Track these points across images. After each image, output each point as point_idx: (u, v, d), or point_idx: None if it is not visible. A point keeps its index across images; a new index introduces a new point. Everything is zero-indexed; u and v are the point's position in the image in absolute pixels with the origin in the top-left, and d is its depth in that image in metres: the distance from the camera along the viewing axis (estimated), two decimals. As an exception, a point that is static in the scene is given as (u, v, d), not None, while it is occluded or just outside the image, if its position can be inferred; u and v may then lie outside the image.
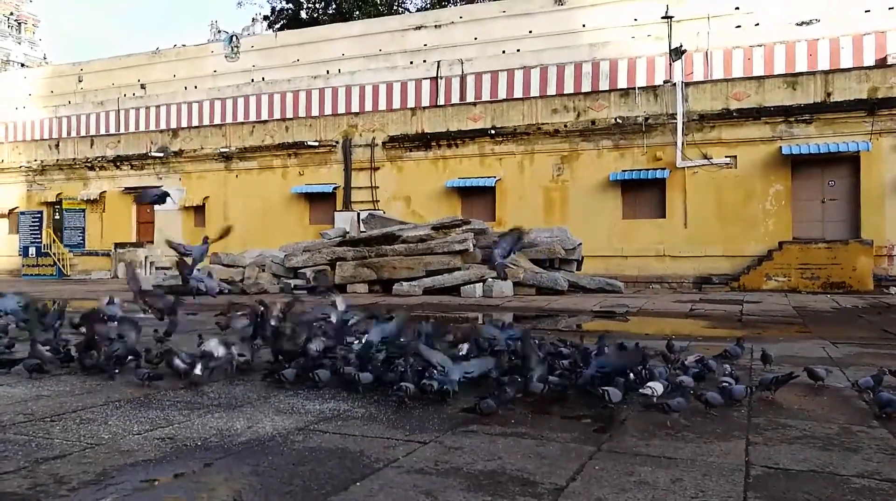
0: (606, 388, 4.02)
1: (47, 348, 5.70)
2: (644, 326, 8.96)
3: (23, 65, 45.31)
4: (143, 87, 31.02)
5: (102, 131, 30.65)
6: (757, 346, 6.11)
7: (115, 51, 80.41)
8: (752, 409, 4.13)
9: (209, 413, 3.99)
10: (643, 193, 19.12)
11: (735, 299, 13.75)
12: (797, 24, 21.72)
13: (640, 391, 4.18)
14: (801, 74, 18.89)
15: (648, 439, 3.50)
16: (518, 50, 24.82)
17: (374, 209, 20.79)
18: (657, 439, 3.50)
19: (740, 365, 5.37)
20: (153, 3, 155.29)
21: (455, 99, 24.92)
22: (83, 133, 30.95)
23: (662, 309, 11.73)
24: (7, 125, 33.49)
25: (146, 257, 24.29)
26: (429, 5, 33.90)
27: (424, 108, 23.07)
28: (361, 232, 17.18)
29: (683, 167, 18.56)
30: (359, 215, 19.55)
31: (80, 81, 32.47)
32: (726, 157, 18.31)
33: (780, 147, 17.59)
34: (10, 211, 28.06)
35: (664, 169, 18.64)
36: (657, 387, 4.13)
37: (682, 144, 18.49)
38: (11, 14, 48.44)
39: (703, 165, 18.39)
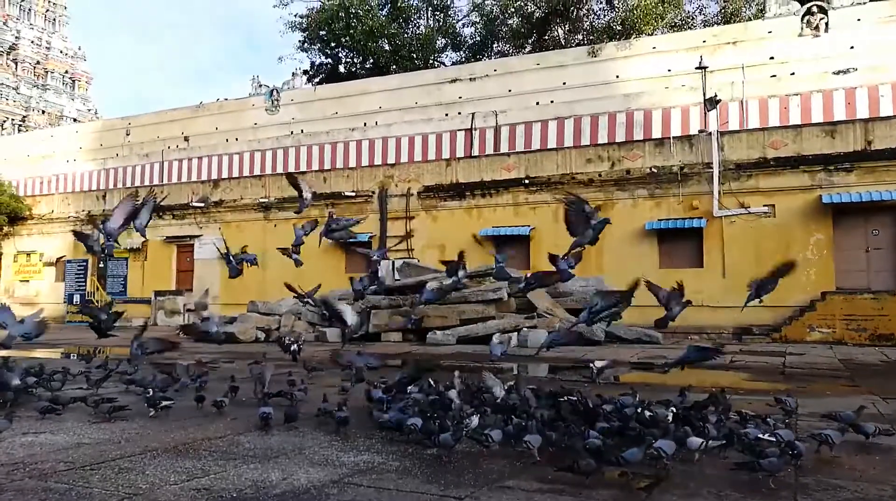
0: (659, 444, 3.86)
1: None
2: (683, 378, 8.74)
3: (75, 120, 47.34)
4: (186, 139, 32.07)
5: (147, 182, 31.63)
6: (803, 400, 5.92)
7: (161, 105, 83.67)
8: (799, 467, 3.97)
9: (245, 464, 3.99)
10: (680, 242, 18.91)
11: (777, 350, 13.38)
12: (834, 73, 21.62)
13: (689, 440, 4.05)
14: (840, 122, 18.68)
15: (691, 497, 3.39)
16: (552, 101, 25.10)
17: (409, 258, 20.91)
18: (700, 497, 3.39)
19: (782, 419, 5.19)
20: (199, 61, 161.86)
21: (489, 150, 25.20)
22: (129, 184, 32.00)
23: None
24: (58, 177, 34.83)
25: (184, 305, 24.70)
26: (464, 59, 34.65)
27: (459, 158, 23.35)
28: (396, 280, 17.26)
29: (720, 216, 18.35)
30: (393, 263, 19.67)
31: (127, 135, 33.73)
32: (764, 205, 18.06)
33: (821, 196, 17.31)
34: (58, 260, 28.92)
35: (701, 218, 18.45)
36: (696, 441, 4.01)
37: (719, 193, 18.33)
38: (66, 72, 50.87)
39: (741, 214, 18.16)
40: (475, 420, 4.45)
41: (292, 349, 6.92)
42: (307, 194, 7.05)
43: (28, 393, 6.23)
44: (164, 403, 5.61)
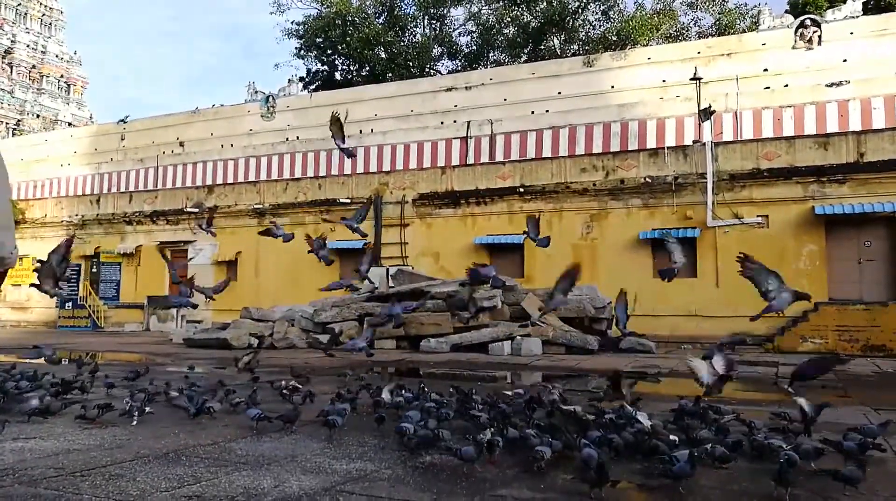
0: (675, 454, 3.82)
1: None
2: (676, 387, 8.75)
3: (70, 124, 47.19)
4: (181, 144, 32.03)
5: (141, 187, 31.58)
6: (795, 412, 5.92)
7: (156, 111, 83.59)
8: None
9: (236, 471, 3.97)
10: (674, 252, 18.94)
11: (770, 360, 13.40)
12: (827, 86, 21.77)
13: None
14: (833, 134, 18.81)
15: (683, 508, 3.40)
16: (547, 110, 25.20)
17: (403, 265, 20.90)
18: (692, 508, 3.39)
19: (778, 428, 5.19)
20: (194, 67, 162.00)
21: (484, 158, 25.25)
22: (123, 189, 31.92)
23: (695, 371, 11.45)
24: (52, 181, 34.72)
25: (177, 311, 24.61)
26: (459, 68, 34.76)
27: (454, 166, 23.38)
28: (390, 288, 17.23)
29: (714, 227, 18.42)
30: (388, 270, 19.65)
31: (122, 140, 33.67)
32: (758, 216, 18.15)
33: (813, 207, 17.40)
34: (50, 264, 28.75)
35: (695, 228, 18.52)
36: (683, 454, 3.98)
37: (713, 203, 18.40)
38: (62, 76, 50.74)
39: (735, 224, 18.24)
40: (489, 433, 4.42)
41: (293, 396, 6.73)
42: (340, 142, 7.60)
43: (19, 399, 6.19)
44: (146, 411, 5.60)
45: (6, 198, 2.60)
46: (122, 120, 33.98)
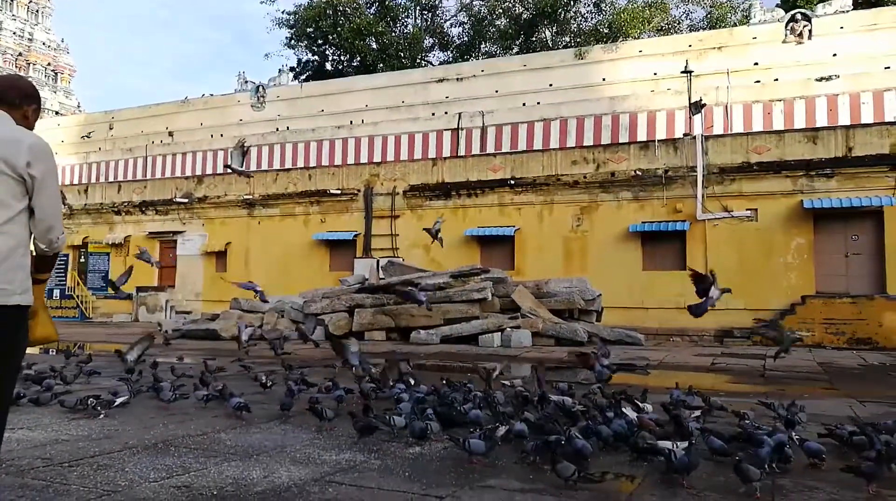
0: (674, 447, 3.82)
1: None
2: (665, 380, 8.80)
3: (57, 113, 46.72)
4: (170, 134, 31.81)
5: (130, 177, 31.36)
6: (782, 403, 5.98)
7: (145, 100, 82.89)
8: (779, 469, 4.01)
9: (225, 462, 3.97)
10: (663, 245, 19.05)
11: (757, 353, 13.50)
12: (816, 80, 21.87)
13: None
14: (822, 128, 18.92)
15: (670, 498, 3.42)
16: (538, 103, 25.19)
17: (394, 257, 20.89)
18: (679, 498, 3.42)
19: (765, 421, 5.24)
20: (185, 56, 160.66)
21: (475, 150, 25.24)
22: (111, 179, 31.70)
23: (683, 363, 11.55)
24: (39, 170, 34.36)
25: (167, 302, 24.52)
26: (451, 59, 34.66)
27: (445, 158, 23.35)
28: (380, 279, 17.23)
29: (704, 220, 18.50)
30: (378, 262, 19.64)
31: (110, 129, 33.40)
32: (747, 210, 18.25)
33: (802, 201, 17.51)
34: (37, 254, 28.53)
35: (684, 221, 18.60)
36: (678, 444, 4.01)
37: (703, 196, 18.48)
38: (49, 65, 50.20)
39: (724, 217, 18.33)
40: (503, 429, 4.40)
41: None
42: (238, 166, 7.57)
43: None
44: (119, 401, 5.58)
45: (57, 187, 2.73)
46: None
